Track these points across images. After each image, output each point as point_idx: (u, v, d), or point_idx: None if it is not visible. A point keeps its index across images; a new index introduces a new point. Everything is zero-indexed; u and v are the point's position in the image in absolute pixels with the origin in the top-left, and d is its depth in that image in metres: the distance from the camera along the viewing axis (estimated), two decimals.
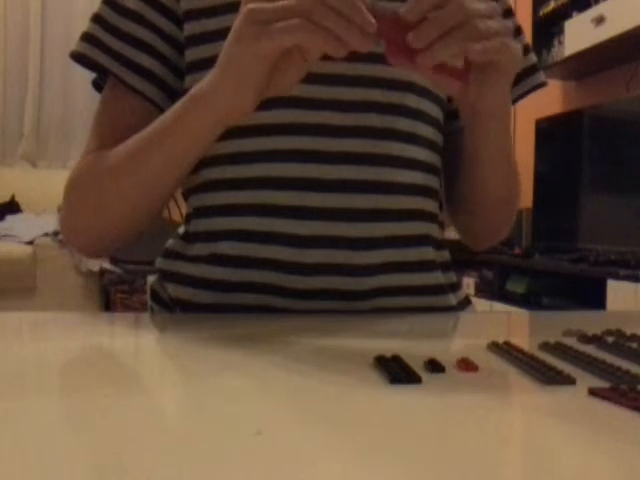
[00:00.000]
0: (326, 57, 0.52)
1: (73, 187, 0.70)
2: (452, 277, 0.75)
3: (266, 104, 0.61)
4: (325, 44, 0.49)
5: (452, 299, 0.72)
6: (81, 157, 0.71)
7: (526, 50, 0.78)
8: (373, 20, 0.49)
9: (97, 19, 0.71)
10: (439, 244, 0.73)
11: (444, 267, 0.73)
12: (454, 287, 0.74)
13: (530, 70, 0.78)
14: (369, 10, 0.49)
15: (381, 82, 0.66)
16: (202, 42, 0.68)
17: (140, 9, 0.70)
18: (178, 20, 0.70)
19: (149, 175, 0.64)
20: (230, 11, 0.65)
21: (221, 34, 0.64)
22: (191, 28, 0.68)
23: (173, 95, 0.71)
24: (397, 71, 0.64)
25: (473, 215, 0.76)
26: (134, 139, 0.64)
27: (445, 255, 0.74)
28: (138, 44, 0.70)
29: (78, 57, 0.71)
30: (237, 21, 0.53)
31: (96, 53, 0.70)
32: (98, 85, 0.75)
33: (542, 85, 0.80)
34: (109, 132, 0.71)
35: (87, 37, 0.70)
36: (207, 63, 0.65)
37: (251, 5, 0.51)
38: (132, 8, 0.70)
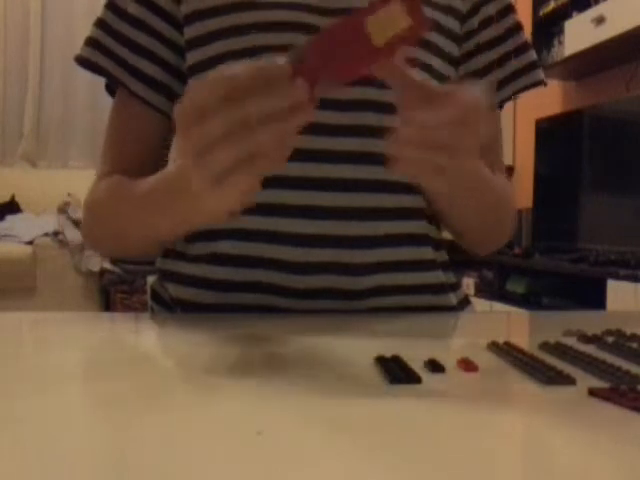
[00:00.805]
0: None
1: (90, 213, 0.73)
2: (451, 277, 0.75)
3: None
4: (269, 164, 0.45)
5: (453, 298, 0.72)
6: (99, 171, 0.74)
7: (525, 47, 0.78)
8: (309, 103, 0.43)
9: (100, 24, 0.72)
10: (437, 244, 0.73)
11: (444, 267, 0.73)
12: (454, 286, 0.74)
13: (528, 67, 0.78)
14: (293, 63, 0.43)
15: (377, 80, 0.66)
16: (203, 44, 0.68)
17: (141, 15, 0.71)
18: (179, 24, 0.70)
19: (141, 237, 0.67)
20: (230, 11, 0.66)
21: (222, 34, 0.65)
22: (191, 31, 0.69)
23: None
24: None
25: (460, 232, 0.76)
26: (126, 198, 0.66)
27: (444, 255, 0.74)
28: (140, 51, 0.71)
29: (82, 61, 0.72)
30: (178, 160, 0.49)
31: (100, 58, 0.71)
32: (111, 89, 0.76)
33: (540, 83, 0.79)
34: (122, 141, 0.73)
35: (91, 42, 0.72)
36: (208, 64, 0.67)
37: (188, 144, 0.45)
38: (134, 14, 0.71)
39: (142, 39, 0.71)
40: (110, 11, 0.72)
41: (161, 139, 0.74)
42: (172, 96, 0.72)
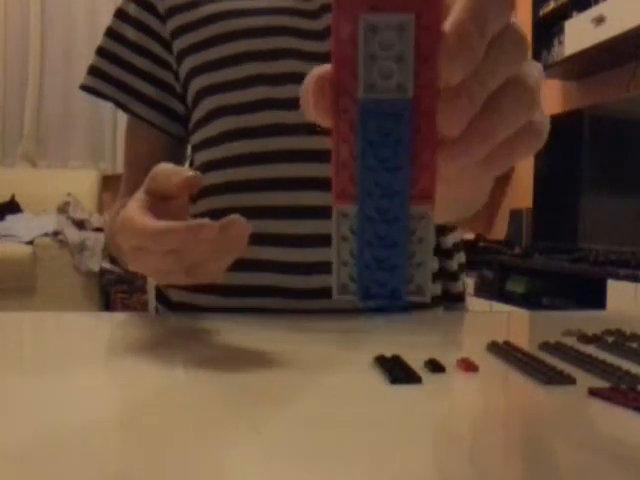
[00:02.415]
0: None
1: (106, 234, 0.80)
2: (450, 264, 0.74)
3: (255, 107, 0.64)
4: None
5: (436, 289, 0.72)
6: (120, 190, 0.78)
7: None
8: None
9: (101, 52, 0.75)
10: (441, 230, 0.72)
11: (444, 253, 0.73)
12: (443, 276, 0.74)
13: None
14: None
15: None
16: (190, 54, 0.71)
17: (139, 39, 0.74)
18: (168, 44, 0.73)
19: None
20: (210, 22, 0.68)
21: (207, 44, 0.68)
22: (180, 43, 0.71)
23: (178, 118, 0.76)
24: None
25: None
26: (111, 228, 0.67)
27: (444, 242, 0.74)
28: (140, 74, 0.74)
29: (87, 89, 0.75)
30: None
31: (103, 85, 0.75)
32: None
33: None
34: (134, 162, 0.77)
35: (93, 70, 0.75)
36: (195, 72, 0.70)
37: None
38: (132, 38, 0.74)
39: (141, 62, 0.74)
40: (110, 38, 0.75)
41: (170, 156, 0.77)
42: (173, 115, 0.76)
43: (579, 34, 2.62)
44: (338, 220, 0.25)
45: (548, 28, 2.97)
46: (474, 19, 0.24)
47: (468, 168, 0.26)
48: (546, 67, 2.94)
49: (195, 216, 0.71)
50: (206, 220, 0.43)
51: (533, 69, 0.27)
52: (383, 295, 0.25)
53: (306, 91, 0.24)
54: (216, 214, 0.69)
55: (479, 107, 0.25)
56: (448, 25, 0.23)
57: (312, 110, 0.24)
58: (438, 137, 0.24)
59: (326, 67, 0.24)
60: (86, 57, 3.74)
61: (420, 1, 0.23)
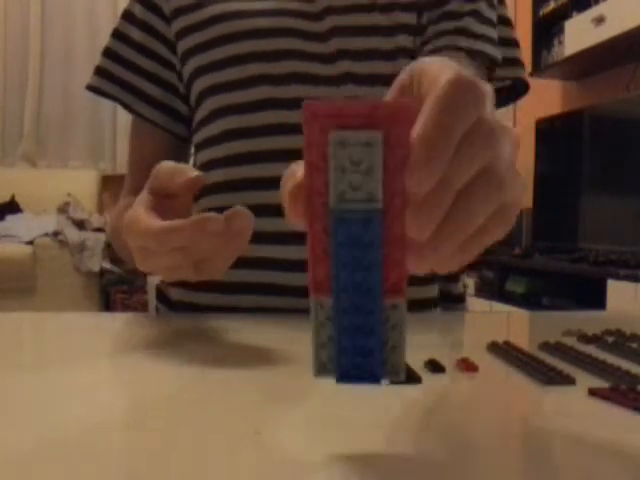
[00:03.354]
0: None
1: (107, 231, 0.81)
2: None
3: (257, 106, 0.64)
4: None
5: (433, 290, 0.72)
6: (124, 188, 0.78)
7: (507, 42, 0.74)
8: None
9: (107, 53, 0.76)
10: None
11: None
12: (443, 278, 0.74)
13: (509, 62, 0.74)
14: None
15: (369, 79, 0.67)
16: (192, 55, 0.71)
17: (144, 40, 0.75)
18: (172, 44, 0.74)
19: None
20: (214, 23, 0.69)
21: (212, 45, 0.69)
22: (185, 44, 0.72)
23: (181, 118, 0.76)
24: (385, 66, 0.65)
25: None
26: (117, 228, 0.67)
27: None
28: (145, 74, 0.75)
29: (93, 89, 0.76)
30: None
31: (108, 86, 0.75)
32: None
33: (520, 80, 0.75)
34: (138, 161, 0.78)
35: (99, 71, 0.76)
36: (199, 72, 0.70)
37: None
38: (137, 39, 0.75)
39: (145, 63, 0.75)
40: (115, 38, 0.76)
41: (174, 156, 0.77)
42: (176, 115, 0.76)
43: (579, 34, 2.63)
44: (316, 309, 0.26)
45: (548, 28, 2.97)
46: (440, 126, 0.23)
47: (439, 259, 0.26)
48: (546, 67, 2.94)
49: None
50: (211, 213, 0.43)
51: (504, 144, 0.25)
52: (361, 376, 0.27)
53: (283, 193, 0.26)
54: (217, 212, 0.69)
55: (447, 209, 0.24)
56: (415, 134, 0.23)
57: (288, 213, 0.26)
58: (407, 239, 0.25)
59: (301, 172, 0.26)
60: (86, 57, 3.74)
61: (387, 119, 0.24)
